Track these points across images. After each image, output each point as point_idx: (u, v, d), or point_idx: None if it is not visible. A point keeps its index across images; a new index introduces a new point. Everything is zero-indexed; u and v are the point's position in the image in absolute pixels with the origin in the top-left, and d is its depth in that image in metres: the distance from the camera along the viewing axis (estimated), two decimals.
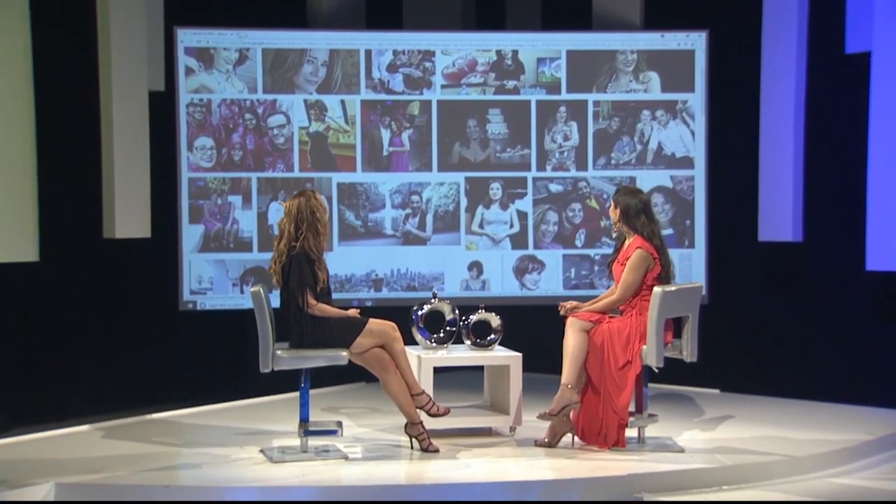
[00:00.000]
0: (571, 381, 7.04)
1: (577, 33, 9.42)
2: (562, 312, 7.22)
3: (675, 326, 7.23)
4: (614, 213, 7.28)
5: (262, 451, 6.95)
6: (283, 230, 6.95)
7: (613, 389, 7.04)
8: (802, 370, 8.99)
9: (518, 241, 9.37)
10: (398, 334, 6.95)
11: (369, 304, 9.18)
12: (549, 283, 9.37)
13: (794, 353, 9.08)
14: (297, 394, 8.39)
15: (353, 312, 7.00)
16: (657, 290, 6.96)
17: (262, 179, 9.14)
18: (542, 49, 9.38)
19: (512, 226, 9.37)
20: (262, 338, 6.75)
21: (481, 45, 9.37)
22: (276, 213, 9.05)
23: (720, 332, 9.19)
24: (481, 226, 9.35)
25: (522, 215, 9.37)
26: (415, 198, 9.29)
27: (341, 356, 6.82)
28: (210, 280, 9.07)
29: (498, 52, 9.36)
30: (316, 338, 6.82)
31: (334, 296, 8.86)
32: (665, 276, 7.18)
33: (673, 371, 8.62)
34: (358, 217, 9.24)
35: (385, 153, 9.28)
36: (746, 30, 9.25)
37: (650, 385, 8.70)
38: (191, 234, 9.08)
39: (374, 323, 6.91)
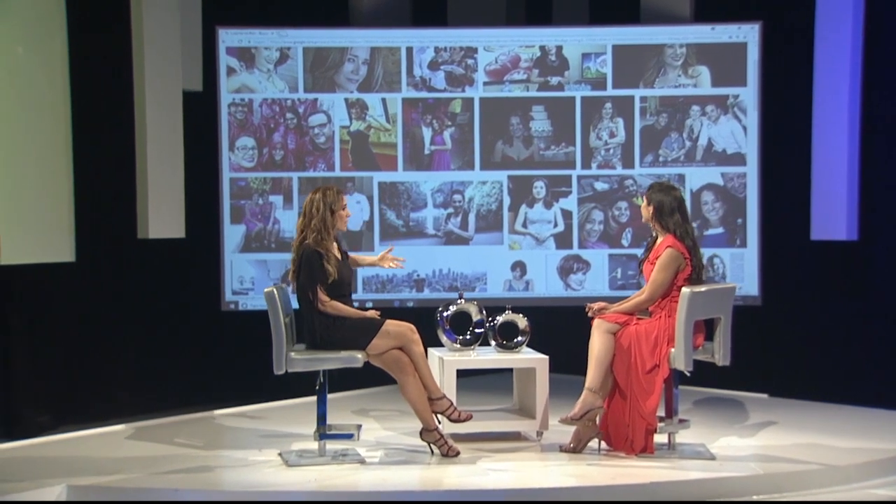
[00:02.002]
0: (595, 385, 6.83)
1: (623, 27, 9.18)
2: (589, 314, 7.01)
3: (707, 329, 6.98)
4: (646, 211, 7.05)
5: (280, 454, 6.85)
6: (298, 228, 6.88)
7: (640, 394, 6.81)
8: (856, 375, 8.63)
9: (562, 240, 9.17)
10: (417, 336, 6.80)
11: (411, 304, 9.06)
12: (594, 283, 9.15)
13: (847, 357, 8.72)
14: (335, 395, 8.41)
15: (371, 314, 6.86)
16: (685, 290, 6.72)
17: (304, 179, 9.06)
18: (587, 44, 9.16)
19: (556, 225, 9.17)
20: (275, 339, 6.65)
21: (524, 40, 9.18)
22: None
23: (771, 334, 8.93)
24: (525, 225, 9.16)
25: (567, 214, 9.16)
26: (457, 197, 9.14)
27: (356, 358, 6.69)
28: (251, 280, 9.02)
29: (542, 48, 9.16)
30: (330, 338, 6.70)
31: (376, 296, 8.87)
32: (696, 278, 6.94)
33: (719, 375, 8.39)
34: (399, 217, 9.12)
35: (427, 152, 9.15)
36: (801, 20, 8.90)
37: (695, 388, 8.56)
38: (232, 235, 9.05)
39: (391, 324, 6.77)
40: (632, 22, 9.33)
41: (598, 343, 6.87)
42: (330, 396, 8.23)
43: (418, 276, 9.12)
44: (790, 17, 9.07)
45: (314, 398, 8.21)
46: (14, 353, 7.89)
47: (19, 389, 7.89)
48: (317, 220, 6.81)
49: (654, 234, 7.13)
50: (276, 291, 6.69)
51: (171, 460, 6.77)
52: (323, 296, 6.72)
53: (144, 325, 8.62)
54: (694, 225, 8.84)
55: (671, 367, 6.81)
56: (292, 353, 6.68)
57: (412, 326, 6.83)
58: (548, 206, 9.16)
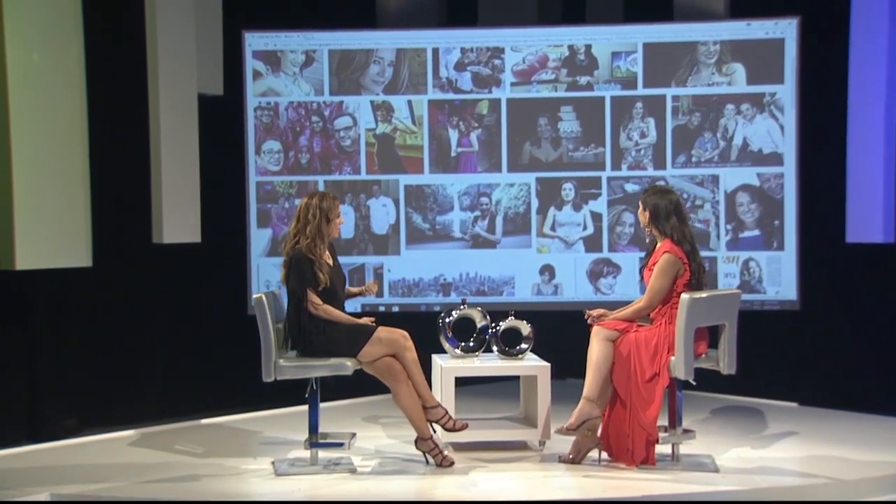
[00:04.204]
0: (593, 394, 6.65)
1: (654, 25, 8.94)
2: (588, 321, 6.82)
3: (712, 336, 6.75)
4: (643, 216, 6.84)
5: (273, 462, 6.78)
6: (290, 232, 6.81)
7: (640, 403, 6.60)
8: (893, 383, 8.26)
9: (592, 243, 8.97)
10: (410, 343, 6.68)
11: (437, 308, 8.92)
12: (625, 287, 8.92)
13: (885, 365, 8.35)
14: (348, 401, 8.36)
15: (366, 320, 6.76)
16: (684, 296, 6.50)
17: (329, 182, 9.00)
18: (617, 43, 8.94)
19: (585, 228, 8.97)
20: (264, 346, 6.58)
21: (552, 40, 9.00)
22: (343, 216, 8.89)
23: (807, 340, 8.62)
24: (553, 228, 8.98)
25: (596, 217, 8.96)
26: (484, 199, 9.00)
27: (346, 365, 6.59)
28: (278, 284, 8.93)
29: (570, 48, 8.97)
30: (320, 344, 6.61)
31: (402, 300, 8.78)
32: (696, 283, 6.70)
33: (748, 382, 8.14)
34: (426, 220, 9.01)
35: (453, 154, 9.02)
36: (842, 14, 8.54)
37: (719, 396, 8.32)
38: (259, 238, 9.02)
39: (383, 331, 6.66)
40: (665, 19, 9.08)
41: (596, 351, 6.69)
42: (342, 402, 8.33)
43: (445, 279, 9.00)
44: (830, 11, 8.71)
45: (339, 402, 8.28)
46: (36, 358, 7.94)
47: (42, 394, 7.93)
48: (312, 226, 6.74)
49: (652, 239, 6.90)
50: (264, 297, 6.62)
51: (164, 468, 6.74)
52: (314, 298, 6.63)
53: (167, 330, 8.63)
54: (728, 227, 8.68)
55: (671, 375, 6.58)
56: (281, 361, 6.60)
57: (405, 333, 6.71)
58: (577, 208, 8.97)
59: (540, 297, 8.97)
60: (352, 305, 8.66)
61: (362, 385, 7.66)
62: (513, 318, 7.25)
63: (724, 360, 6.67)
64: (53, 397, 7.95)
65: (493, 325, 7.25)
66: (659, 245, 6.78)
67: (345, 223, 8.74)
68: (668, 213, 6.73)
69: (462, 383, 7.33)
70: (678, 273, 6.66)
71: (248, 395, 8.53)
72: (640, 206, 6.86)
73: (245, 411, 8.34)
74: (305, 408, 8.03)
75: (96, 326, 8.23)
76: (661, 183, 8.74)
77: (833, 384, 8.46)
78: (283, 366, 6.60)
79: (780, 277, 8.82)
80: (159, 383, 8.59)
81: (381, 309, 8.90)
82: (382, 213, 8.98)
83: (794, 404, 8.44)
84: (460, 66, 8.99)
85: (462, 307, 7.35)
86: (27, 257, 7.65)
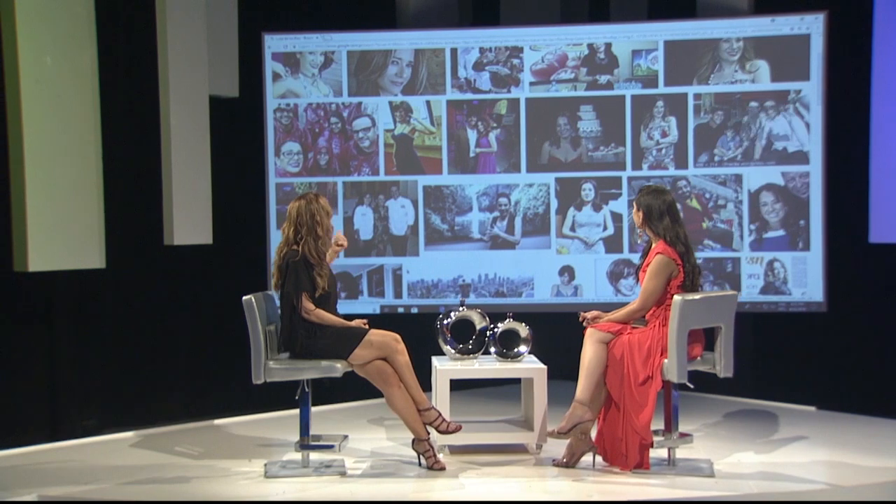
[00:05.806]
0: (585, 397, 6.54)
1: (675, 22, 8.78)
2: (583, 323, 6.71)
3: (709, 338, 6.61)
4: (636, 216, 6.71)
5: (266, 464, 6.77)
6: (284, 233, 6.78)
7: (633, 407, 6.47)
8: None
9: (612, 244, 8.84)
10: (402, 346, 6.63)
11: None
12: None
13: None
14: (360, 403, 8.33)
15: (357, 323, 6.72)
16: (677, 298, 6.36)
17: (348, 183, 8.99)
18: (638, 41, 8.80)
19: (605, 228, 8.84)
20: (254, 348, 6.57)
21: (572, 38, 8.88)
22: (362, 217, 8.93)
23: (828, 343, 8.41)
24: (573, 228, 8.87)
25: (617, 217, 8.83)
26: (503, 200, 8.91)
27: (336, 368, 6.55)
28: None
29: (590, 46, 8.85)
30: (311, 347, 6.58)
31: (421, 301, 8.73)
32: (690, 284, 6.56)
33: (770, 385, 7.97)
34: (444, 221, 8.95)
35: (472, 154, 8.95)
36: (869, 8, 8.34)
37: (742, 399, 8.19)
38: (278, 240, 8.96)
39: (374, 334, 6.62)
40: (688, 16, 8.92)
41: (589, 353, 6.57)
42: (352, 404, 8.30)
43: (464, 281, 8.93)
44: (858, 5, 8.50)
45: (339, 405, 8.22)
46: (51, 359, 8.02)
47: (58, 395, 8.02)
48: (322, 227, 6.73)
49: (647, 240, 6.77)
50: (253, 299, 6.61)
51: (157, 469, 6.75)
52: (308, 304, 6.61)
53: (181, 331, 8.67)
54: (752, 227, 8.51)
55: (664, 378, 6.45)
56: (271, 363, 6.58)
57: (397, 336, 6.66)
58: (597, 208, 8.85)
59: (559, 298, 8.86)
60: (370, 307, 8.74)
61: (370, 386, 7.63)
62: (511, 319, 7.16)
63: (721, 363, 6.52)
64: (69, 398, 8.02)
65: (492, 326, 7.16)
66: (653, 246, 6.65)
67: (364, 224, 8.84)
68: (661, 213, 6.60)
69: (465, 386, 7.28)
70: (672, 274, 6.53)
71: (262, 396, 8.53)
72: (634, 206, 6.74)
73: (257, 412, 8.32)
74: (321, 409, 8.12)
75: (109, 328, 8.30)
76: (682, 183, 8.61)
77: (854, 388, 8.25)
78: (272, 368, 6.58)
79: (805, 279, 8.61)
80: (174, 384, 8.64)
81: (401, 310, 8.87)
82: (401, 214, 8.94)
83: (812, 408, 8.23)
84: (479, 66, 8.92)
85: (461, 308, 7.27)
86: (41, 259, 7.72)
